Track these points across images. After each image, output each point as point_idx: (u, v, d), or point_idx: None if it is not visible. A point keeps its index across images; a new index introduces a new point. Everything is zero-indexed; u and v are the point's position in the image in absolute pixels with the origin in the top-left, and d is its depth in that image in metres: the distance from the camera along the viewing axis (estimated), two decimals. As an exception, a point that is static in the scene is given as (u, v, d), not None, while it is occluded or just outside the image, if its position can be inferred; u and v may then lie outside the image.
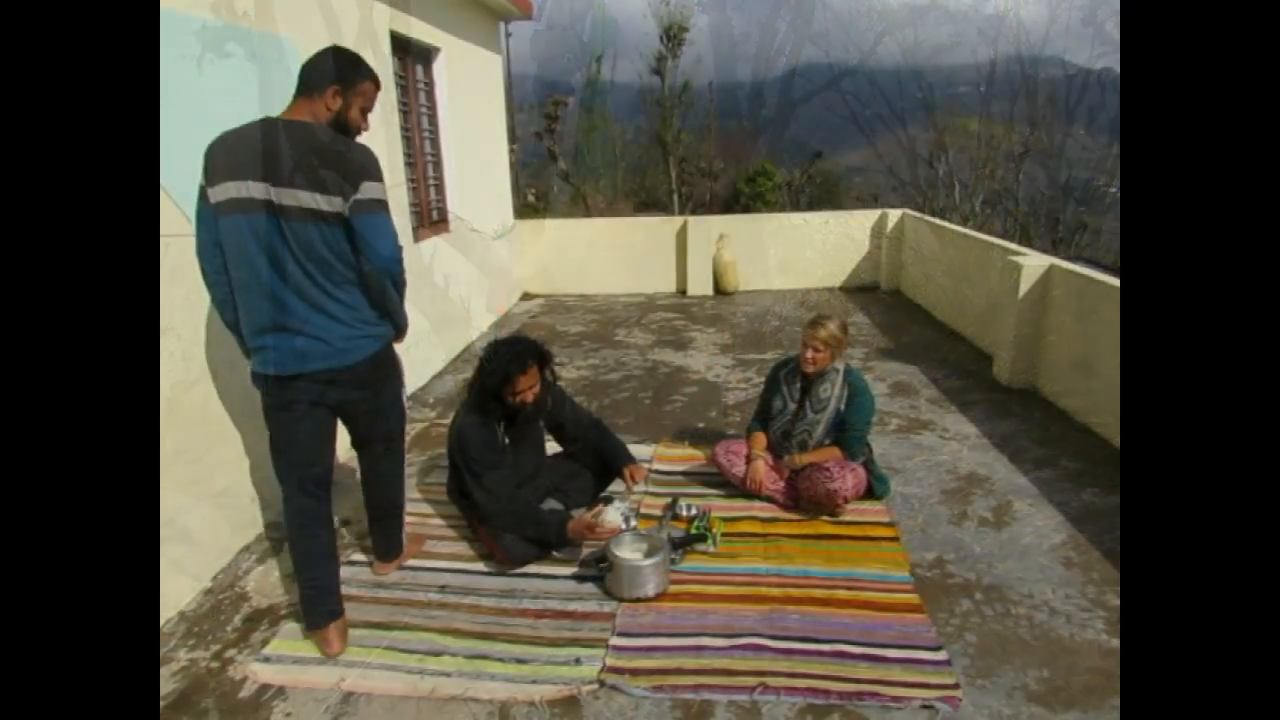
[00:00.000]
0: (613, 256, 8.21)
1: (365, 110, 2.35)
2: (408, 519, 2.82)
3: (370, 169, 2.25)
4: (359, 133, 2.36)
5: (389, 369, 2.49)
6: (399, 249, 2.32)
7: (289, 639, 2.41)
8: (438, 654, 2.31)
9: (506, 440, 2.89)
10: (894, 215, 7.89)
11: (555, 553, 2.83)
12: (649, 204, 20.91)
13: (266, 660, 2.31)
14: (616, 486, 3.19)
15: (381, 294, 2.39)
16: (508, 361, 2.72)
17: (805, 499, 3.14)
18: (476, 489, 2.76)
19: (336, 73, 2.27)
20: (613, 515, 2.76)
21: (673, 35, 21.55)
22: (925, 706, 2.06)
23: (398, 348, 2.54)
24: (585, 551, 2.84)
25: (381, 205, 2.27)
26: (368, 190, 2.21)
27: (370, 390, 2.44)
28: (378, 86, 2.40)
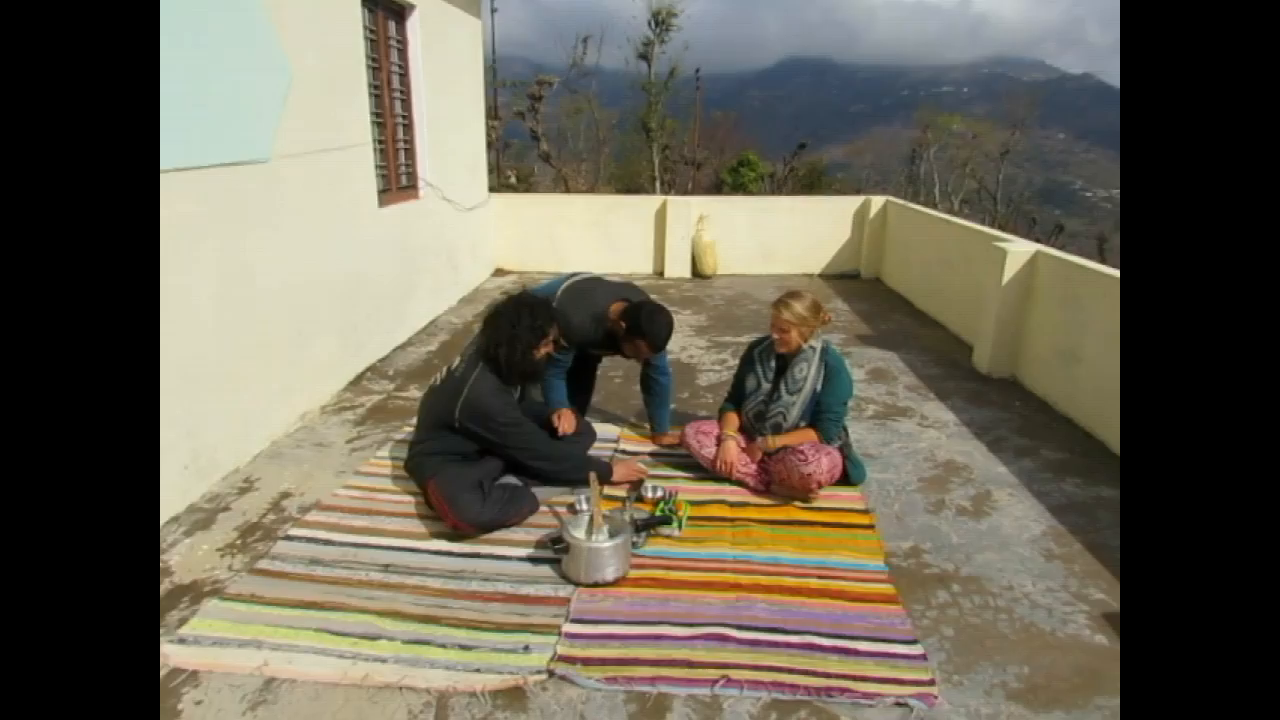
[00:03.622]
0: (589, 235, 7.99)
1: (639, 350, 3.20)
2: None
3: (574, 333, 3.17)
4: (626, 354, 3.29)
5: None
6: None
7: (209, 618, 2.19)
8: (374, 638, 2.12)
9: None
10: (877, 202, 7.75)
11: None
12: (631, 190, 20.62)
13: (182, 641, 2.09)
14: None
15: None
16: (550, 316, 2.87)
17: (778, 483, 2.98)
18: (525, 450, 2.82)
19: (630, 319, 3.09)
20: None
21: (661, 20, 21.25)
22: (899, 704, 1.91)
23: None
24: (541, 533, 2.66)
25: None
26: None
27: None
28: (652, 349, 3.18)
